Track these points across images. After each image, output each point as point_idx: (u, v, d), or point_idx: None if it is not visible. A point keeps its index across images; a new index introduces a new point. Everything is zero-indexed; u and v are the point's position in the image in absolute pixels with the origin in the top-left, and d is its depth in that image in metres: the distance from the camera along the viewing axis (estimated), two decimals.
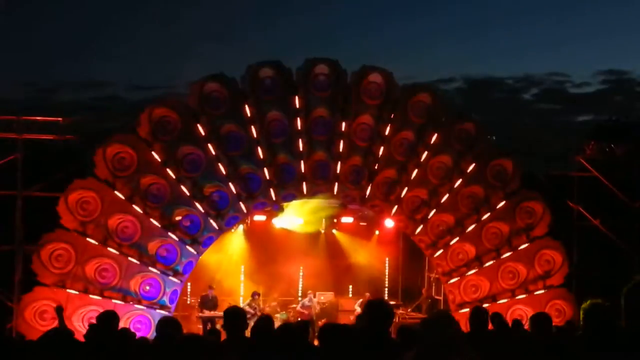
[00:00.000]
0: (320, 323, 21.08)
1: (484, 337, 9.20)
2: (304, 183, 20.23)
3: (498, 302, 20.36)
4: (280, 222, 24.74)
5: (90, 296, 18.61)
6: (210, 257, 22.22)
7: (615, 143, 24.22)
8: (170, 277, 19.43)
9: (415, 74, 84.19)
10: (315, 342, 10.34)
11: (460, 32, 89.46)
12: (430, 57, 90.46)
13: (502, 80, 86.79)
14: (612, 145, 24.01)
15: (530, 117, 67.16)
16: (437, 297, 24.82)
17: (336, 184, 20.34)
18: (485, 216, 20.65)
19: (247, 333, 8.10)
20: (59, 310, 11.01)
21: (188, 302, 23.37)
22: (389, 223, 23.26)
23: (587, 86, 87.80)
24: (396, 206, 20.67)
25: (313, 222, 25.29)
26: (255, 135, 19.67)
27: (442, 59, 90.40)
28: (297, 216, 24.49)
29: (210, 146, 19.45)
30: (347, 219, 25.57)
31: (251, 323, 8.38)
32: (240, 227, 24.41)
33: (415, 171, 20.43)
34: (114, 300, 18.69)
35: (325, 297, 24.66)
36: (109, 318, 8.97)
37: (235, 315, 8.08)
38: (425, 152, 20.41)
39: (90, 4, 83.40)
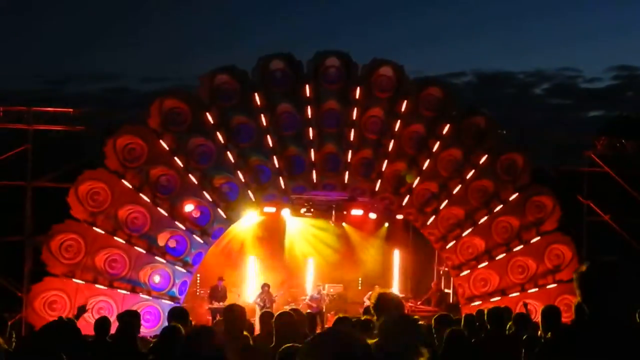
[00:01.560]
0: (329, 315, 21.08)
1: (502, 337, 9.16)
2: (314, 175, 20.22)
3: (508, 296, 20.32)
4: (290, 213, 24.69)
5: (100, 287, 18.66)
6: (220, 248, 22.21)
7: (626, 139, 24.10)
8: (180, 268, 19.46)
9: (426, 67, 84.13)
10: None
11: (472, 26, 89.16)
12: (441, 51, 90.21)
13: (513, 75, 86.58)
14: (623, 141, 23.89)
15: (541, 112, 66.96)
16: (446, 290, 24.77)
17: (346, 176, 20.33)
18: (495, 210, 20.63)
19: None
20: (80, 311, 10.87)
21: (197, 293, 23.33)
22: (399, 216, 23.23)
23: (599, 81, 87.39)
24: (406, 199, 20.65)
25: (322, 216, 25.26)
26: (265, 126, 19.69)
27: (453, 53, 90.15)
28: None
29: (220, 137, 19.46)
30: (357, 212, 25.46)
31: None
32: (250, 219, 24.36)
33: (426, 164, 20.40)
34: (123, 291, 18.76)
35: (335, 289, 24.61)
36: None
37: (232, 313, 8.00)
38: (436, 146, 20.38)
39: None
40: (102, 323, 9.21)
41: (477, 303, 20.11)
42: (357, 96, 19.98)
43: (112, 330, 9.23)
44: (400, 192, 20.59)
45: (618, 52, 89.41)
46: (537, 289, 20.38)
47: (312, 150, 20.05)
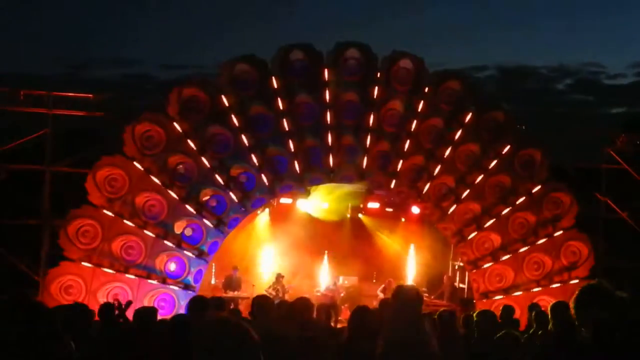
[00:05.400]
0: (343, 307, 21.07)
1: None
2: (331, 167, 20.19)
3: (522, 292, 20.24)
4: (306, 205, 24.72)
5: (116, 273, 18.73)
6: (236, 238, 22.25)
7: None
8: (196, 257, 19.50)
9: (448, 61, 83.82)
10: (339, 326, 10.35)
11: (496, 20, 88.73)
12: (463, 45, 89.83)
13: (535, 70, 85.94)
14: None
15: (563, 107, 66.60)
16: (461, 285, 24.74)
17: (364, 168, 20.27)
18: (512, 206, 20.51)
19: None
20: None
21: (212, 282, 23.42)
22: (415, 210, 23.18)
23: (622, 78, 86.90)
24: (422, 193, 20.58)
25: (338, 208, 25.26)
26: (284, 119, 19.66)
27: (476, 47, 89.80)
28: (323, 200, 24.47)
29: (238, 127, 19.45)
30: (373, 205, 25.45)
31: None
32: (266, 209, 24.44)
33: (443, 159, 20.33)
34: (142, 278, 18.83)
35: (349, 281, 24.66)
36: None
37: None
38: (453, 140, 20.29)
39: None
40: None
41: (491, 298, 20.12)
42: (375, 89, 19.90)
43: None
44: (417, 186, 20.50)
45: None
46: (552, 286, 20.28)
47: (329, 141, 19.99)
